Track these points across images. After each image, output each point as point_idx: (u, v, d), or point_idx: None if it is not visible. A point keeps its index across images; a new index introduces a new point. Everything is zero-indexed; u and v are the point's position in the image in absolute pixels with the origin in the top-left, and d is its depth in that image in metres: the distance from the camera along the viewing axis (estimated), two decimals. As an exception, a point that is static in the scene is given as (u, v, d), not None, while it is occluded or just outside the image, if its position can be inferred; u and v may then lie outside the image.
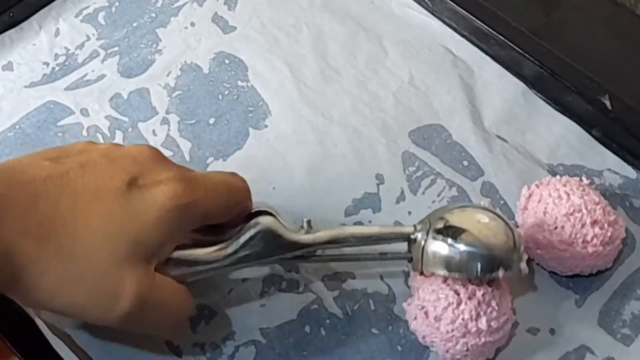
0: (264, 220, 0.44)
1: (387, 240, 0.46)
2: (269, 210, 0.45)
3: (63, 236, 0.38)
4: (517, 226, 0.50)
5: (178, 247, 0.43)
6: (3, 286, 0.38)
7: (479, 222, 0.44)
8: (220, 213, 0.44)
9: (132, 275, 0.39)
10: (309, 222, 0.45)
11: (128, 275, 0.39)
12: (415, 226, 0.45)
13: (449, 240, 0.44)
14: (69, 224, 0.39)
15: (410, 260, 0.46)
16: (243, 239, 0.44)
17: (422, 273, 0.45)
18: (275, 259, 0.45)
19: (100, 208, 0.40)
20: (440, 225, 0.44)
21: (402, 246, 0.46)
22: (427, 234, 0.44)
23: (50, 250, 0.38)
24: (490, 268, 0.43)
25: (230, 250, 0.44)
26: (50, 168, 0.40)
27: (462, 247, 0.43)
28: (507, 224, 0.44)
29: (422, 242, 0.44)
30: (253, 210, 0.45)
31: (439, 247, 0.44)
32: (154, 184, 0.41)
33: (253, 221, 0.44)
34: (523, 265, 0.44)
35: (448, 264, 0.44)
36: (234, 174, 0.46)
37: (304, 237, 0.45)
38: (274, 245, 0.44)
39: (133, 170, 0.41)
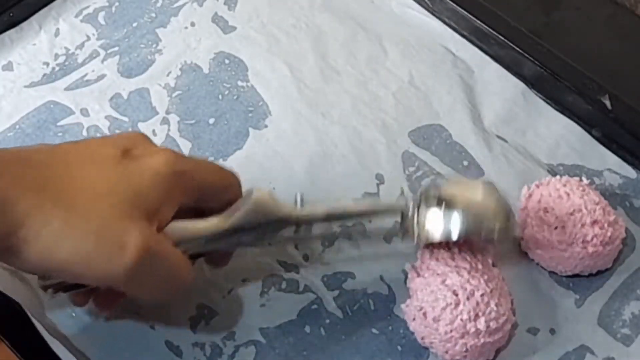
0: (258, 192, 0.44)
1: (381, 214, 0.46)
2: (263, 189, 0.44)
3: (61, 188, 0.38)
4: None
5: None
6: (1, 243, 0.37)
7: (468, 189, 0.45)
8: (212, 189, 0.43)
9: (135, 227, 0.39)
10: (301, 196, 0.45)
11: (132, 226, 0.38)
12: (407, 200, 0.45)
13: (443, 207, 0.44)
14: (65, 180, 0.38)
15: (403, 235, 0.45)
16: (237, 207, 0.43)
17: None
18: (270, 234, 0.44)
19: (95, 169, 0.40)
20: (433, 194, 0.44)
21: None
22: (419, 205, 0.44)
23: (50, 200, 0.37)
24: (480, 226, 0.44)
25: (223, 219, 0.43)
26: (41, 144, 0.41)
27: (455, 210, 0.44)
28: (498, 192, 0.45)
29: (416, 214, 0.44)
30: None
31: (433, 215, 0.44)
32: (147, 154, 0.41)
33: (246, 193, 0.44)
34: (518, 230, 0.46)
35: (443, 229, 0.44)
36: None
37: (298, 211, 0.44)
38: (267, 217, 0.43)
39: (126, 144, 0.41)
